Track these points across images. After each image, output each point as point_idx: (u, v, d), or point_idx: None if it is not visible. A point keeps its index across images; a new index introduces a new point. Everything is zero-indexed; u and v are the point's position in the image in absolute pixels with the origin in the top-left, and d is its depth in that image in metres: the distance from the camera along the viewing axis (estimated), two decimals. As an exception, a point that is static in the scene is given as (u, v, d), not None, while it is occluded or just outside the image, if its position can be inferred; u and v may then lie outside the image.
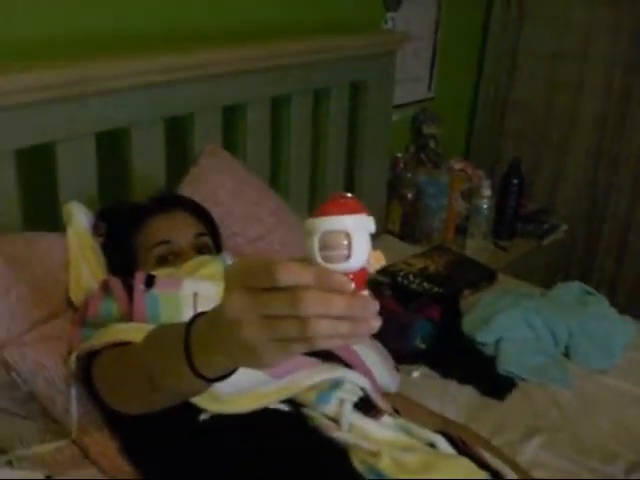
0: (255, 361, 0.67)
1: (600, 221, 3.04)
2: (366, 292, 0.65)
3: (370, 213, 0.66)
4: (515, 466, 1.40)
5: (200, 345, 0.74)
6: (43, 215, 1.70)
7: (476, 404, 1.70)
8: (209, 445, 1.21)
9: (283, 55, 2.04)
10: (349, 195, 0.66)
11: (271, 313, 0.63)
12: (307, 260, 0.64)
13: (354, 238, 0.63)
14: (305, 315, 0.61)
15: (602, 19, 2.85)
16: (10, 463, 1.38)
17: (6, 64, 1.54)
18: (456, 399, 1.71)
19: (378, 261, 0.66)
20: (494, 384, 1.75)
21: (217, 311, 0.69)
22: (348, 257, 0.63)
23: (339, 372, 1.33)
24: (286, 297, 0.62)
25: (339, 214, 0.64)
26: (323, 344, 0.63)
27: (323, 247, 0.64)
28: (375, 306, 0.64)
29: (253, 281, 0.64)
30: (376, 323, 0.64)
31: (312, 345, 0.63)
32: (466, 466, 1.23)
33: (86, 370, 1.29)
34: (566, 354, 1.87)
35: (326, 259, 0.63)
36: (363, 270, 0.65)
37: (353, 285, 0.64)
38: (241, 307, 0.64)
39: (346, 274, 0.64)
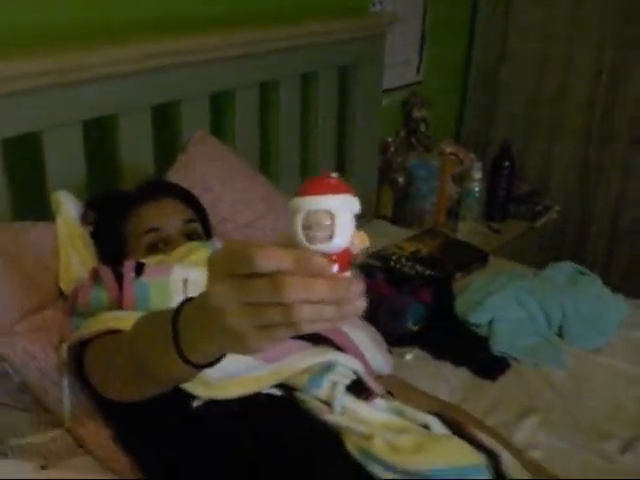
0: (241, 347, 0.66)
1: (592, 201, 3.05)
2: (349, 273, 0.64)
3: (361, 197, 0.65)
4: (509, 446, 1.40)
5: (187, 332, 0.74)
6: (31, 205, 1.69)
7: (470, 385, 1.70)
8: (202, 431, 1.21)
9: (270, 40, 2.03)
10: (334, 175, 0.66)
11: (254, 300, 0.62)
12: (292, 240, 0.64)
13: (337, 218, 0.63)
14: (288, 301, 0.61)
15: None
16: (4, 454, 1.38)
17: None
18: (449, 380, 1.71)
19: (362, 242, 0.65)
20: (487, 365, 1.76)
21: (202, 298, 0.69)
22: (331, 237, 0.63)
23: (331, 355, 1.33)
24: (268, 283, 0.61)
25: (323, 194, 0.63)
26: (309, 328, 0.62)
27: (306, 227, 0.63)
28: (359, 286, 0.63)
29: (234, 267, 0.63)
30: (361, 303, 0.63)
31: (297, 330, 0.62)
32: (460, 446, 1.23)
33: (78, 359, 1.29)
34: (559, 334, 1.88)
35: (309, 239, 0.63)
36: (347, 251, 0.64)
37: (336, 266, 0.63)
38: (224, 295, 0.63)
39: (330, 254, 0.63)
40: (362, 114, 2.46)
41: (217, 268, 0.65)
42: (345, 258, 0.64)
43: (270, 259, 0.61)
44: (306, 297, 0.61)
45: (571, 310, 1.85)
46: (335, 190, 0.64)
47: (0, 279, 1.43)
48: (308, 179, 0.65)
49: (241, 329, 0.63)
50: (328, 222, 0.63)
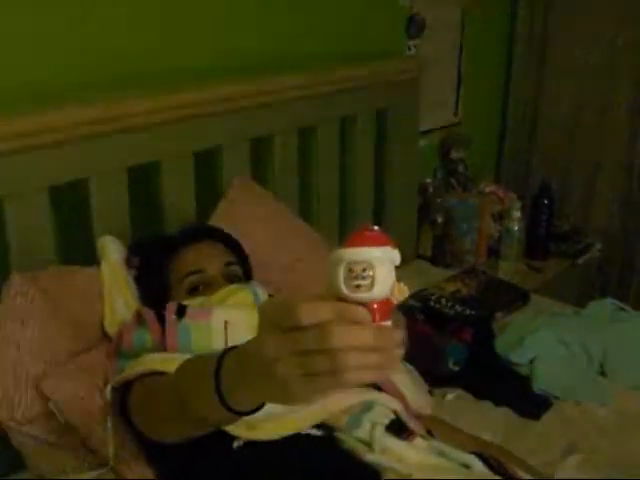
0: (287, 398, 0.68)
1: (635, 238, 3.01)
2: (389, 323, 0.67)
3: (401, 239, 0.68)
4: (553, 486, 1.40)
5: (231, 380, 0.76)
6: (78, 249, 1.73)
7: (512, 425, 1.69)
8: (244, 472, 1.22)
9: (308, 86, 2.07)
10: (376, 228, 0.69)
11: (301, 349, 0.65)
12: (331, 290, 0.67)
13: (378, 269, 0.65)
14: (334, 348, 0.63)
15: (628, 33, 2.84)
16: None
17: (36, 104, 1.59)
18: (491, 420, 1.70)
19: (402, 293, 0.68)
20: (530, 404, 1.74)
21: (249, 348, 0.72)
22: (372, 287, 0.65)
23: (370, 395, 1.34)
24: (314, 332, 0.64)
25: (364, 246, 0.66)
26: (353, 377, 0.64)
27: (348, 277, 0.66)
28: (399, 335, 0.65)
29: (281, 321, 0.66)
30: (400, 352, 0.65)
31: (342, 379, 0.64)
32: (501, 486, 1.23)
33: (122, 400, 1.31)
34: (602, 372, 1.85)
35: (350, 288, 0.65)
36: (387, 301, 0.67)
37: (377, 315, 0.66)
38: (274, 344, 0.66)
39: (370, 304, 0.66)
40: (399, 156, 2.48)
41: (267, 320, 0.68)
42: (385, 308, 0.67)
43: (311, 312, 0.64)
44: (350, 343, 0.63)
45: (613, 347, 1.84)
46: (376, 242, 0.67)
47: (47, 321, 1.46)
48: (351, 233, 0.68)
49: (288, 378, 0.66)
50: (369, 272, 0.65)
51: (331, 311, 0.64)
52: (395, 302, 0.68)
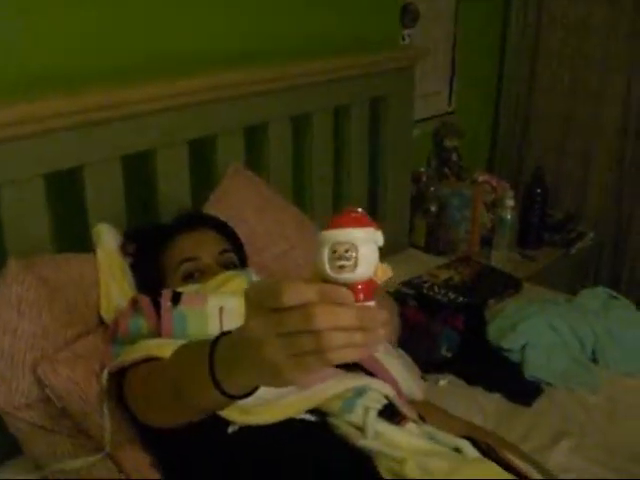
0: (276, 379, 0.70)
1: (627, 227, 3.03)
2: (373, 303, 0.69)
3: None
4: (543, 470, 1.41)
5: (224, 364, 0.77)
6: (73, 237, 1.74)
7: (503, 410, 1.71)
8: (238, 457, 1.23)
9: (303, 74, 2.08)
10: (359, 210, 0.70)
11: (287, 330, 0.66)
12: (318, 272, 0.68)
13: (361, 249, 0.67)
14: (317, 328, 0.65)
15: (621, 23, 2.85)
16: (45, 478, 1.42)
17: (33, 92, 1.60)
18: (483, 406, 1.72)
19: (385, 273, 0.70)
20: (521, 390, 1.76)
21: (239, 332, 0.73)
22: (355, 267, 0.67)
23: (363, 380, 1.35)
24: (298, 314, 0.65)
25: (347, 227, 0.68)
26: (338, 356, 0.66)
27: (332, 258, 0.67)
28: (383, 315, 0.67)
29: (265, 303, 0.68)
30: (386, 331, 0.67)
31: (328, 358, 0.66)
32: (493, 470, 1.24)
33: (118, 386, 1.32)
34: (593, 359, 1.87)
35: (334, 269, 0.67)
36: (371, 281, 0.69)
37: (361, 295, 0.68)
38: (260, 327, 0.68)
39: (355, 284, 0.67)
40: (394, 145, 2.50)
41: (253, 303, 0.70)
42: (369, 288, 0.68)
43: (294, 294, 0.66)
44: (334, 323, 0.65)
45: (604, 334, 1.86)
46: (359, 223, 0.69)
47: (43, 308, 1.47)
48: (335, 214, 0.69)
49: (276, 360, 0.67)
50: (352, 253, 0.67)
51: (314, 292, 0.66)
52: (379, 282, 0.69)
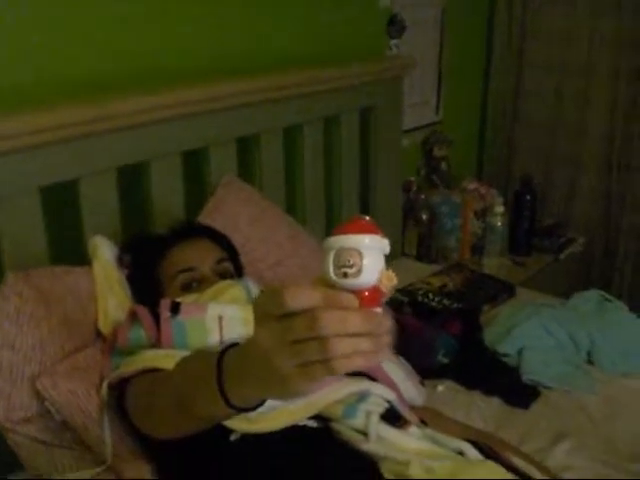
0: (284, 391, 0.69)
1: (616, 231, 3.05)
2: (379, 309, 0.68)
3: (386, 236, 0.69)
4: (545, 470, 1.42)
5: (232, 377, 0.77)
6: (69, 249, 1.74)
7: (502, 414, 1.72)
8: (241, 465, 1.23)
9: (293, 85, 2.09)
10: (366, 217, 0.70)
11: (293, 337, 0.66)
12: (324, 277, 0.68)
13: (366, 256, 0.67)
14: (324, 333, 0.64)
15: (604, 30, 2.88)
16: (48, 492, 1.41)
17: (25, 105, 1.60)
18: (482, 410, 1.72)
19: (390, 280, 0.69)
20: (519, 393, 1.77)
21: (248, 344, 0.73)
22: (359, 274, 0.67)
23: (364, 385, 1.35)
24: (304, 319, 0.65)
25: (354, 233, 0.68)
26: (344, 364, 0.65)
27: (337, 263, 0.67)
28: (388, 322, 0.67)
29: (270, 310, 0.68)
30: (389, 338, 0.66)
31: (334, 367, 0.65)
32: (496, 471, 1.25)
33: (118, 397, 1.32)
34: (589, 361, 1.89)
35: (339, 275, 0.67)
36: (376, 288, 0.68)
37: (366, 302, 0.67)
38: (268, 338, 0.68)
39: (360, 291, 0.67)
40: (383, 154, 2.51)
41: (259, 313, 0.70)
42: (374, 295, 0.68)
43: (297, 298, 0.66)
44: (340, 328, 0.64)
45: (599, 336, 1.87)
46: (364, 230, 0.69)
47: (41, 321, 1.46)
48: (342, 222, 0.70)
49: (284, 371, 0.67)
50: (357, 259, 0.67)
51: (318, 297, 0.66)
52: (384, 290, 0.69)
